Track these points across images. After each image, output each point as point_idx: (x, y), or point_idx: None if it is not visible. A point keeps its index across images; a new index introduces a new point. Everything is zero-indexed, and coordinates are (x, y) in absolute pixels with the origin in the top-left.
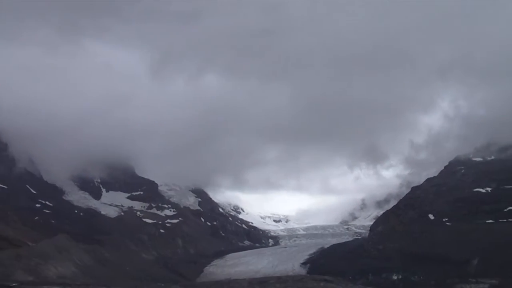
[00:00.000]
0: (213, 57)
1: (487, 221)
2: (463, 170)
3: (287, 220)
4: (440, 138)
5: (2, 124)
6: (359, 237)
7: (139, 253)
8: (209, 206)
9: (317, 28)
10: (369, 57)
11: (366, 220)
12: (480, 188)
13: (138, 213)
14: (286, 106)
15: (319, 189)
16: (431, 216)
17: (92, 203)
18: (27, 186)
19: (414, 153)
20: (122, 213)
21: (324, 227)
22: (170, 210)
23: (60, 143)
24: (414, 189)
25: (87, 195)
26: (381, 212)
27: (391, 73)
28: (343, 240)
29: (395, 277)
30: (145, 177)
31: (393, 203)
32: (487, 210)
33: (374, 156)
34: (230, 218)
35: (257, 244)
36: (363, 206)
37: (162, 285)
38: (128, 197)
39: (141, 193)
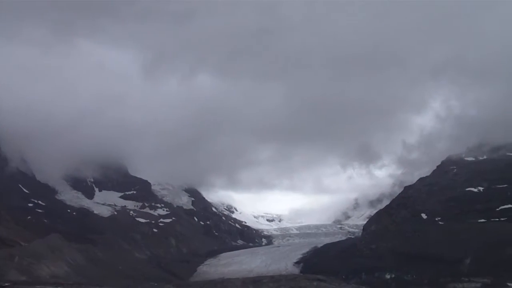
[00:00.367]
0: (206, 57)
1: (479, 221)
2: (455, 169)
3: (280, 219)
4: (432, 138)
5: None
6: (352, 237)
7: (132, 253)
8: (202, 206)
9: (311, 29)
10: (362, 57)
11: (359, 220)
12: (472, 187)
13: (131, 212)
14: (279, 106)
15: (312, 188)
16: (423, 216)
17: (85, 202)
18: (20, 185)
19: (407, 153)
20: (115, 213)
21: (317, 227)
22: (163, 210)
23: (53, 143)
24: (407, 188)
25: (80, 194)
26: (374, 212)
27: (383, 73)
28: (336, 240)
29: (388, 276)
30: (138, 176)
31: (386, 202)
32: (479, 210)
33: (367, 155)
34: (223, 218)
35: (250, 244)
36: (356, 205)
37: (155, 284)
38: (121, 197)
39: (134, 192)
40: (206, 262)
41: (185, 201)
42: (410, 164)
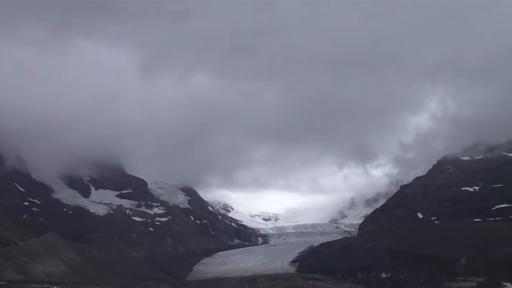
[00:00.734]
0: (203, 56)
1: (475, 220)
2: (451, 169)
3: (276, 218)
4: (428, 138)
5: None
6: (348, 236)
7: (128, 252)
8: (198, 205)
9: (308, 29)
10: (359, 58)
11: (355, 219)
12: (468, 187)
13: (127, 211)
14: (276, 106)
15: (309, 188)
16: (419, 215)
17: (81, 201)
18: (15, 184)
19: (403, 152)
20: (111, 211)
21: (313, 226)
22: (160, 209)
23: (49, 141)
24: (403, 188)
25: (76, 193)
26: (370, 211)
27: (380, 74)
28: (332, 239)
29: (384, 275)
30: (135, 175)
31: (382, 201)
32: (475, 209)
33: (363, 155)
34: (219, 217)
35: (246, 243)
36: (352, 204)
37: (151, 283)
38: (117, 195)
39: (130, 191)
40: (202, 261)
41: (181, 200)
42: (406, 163)
